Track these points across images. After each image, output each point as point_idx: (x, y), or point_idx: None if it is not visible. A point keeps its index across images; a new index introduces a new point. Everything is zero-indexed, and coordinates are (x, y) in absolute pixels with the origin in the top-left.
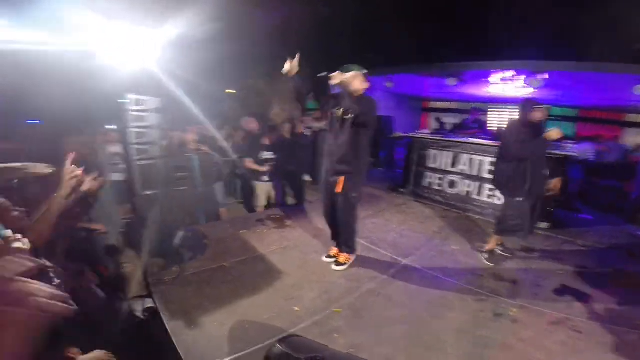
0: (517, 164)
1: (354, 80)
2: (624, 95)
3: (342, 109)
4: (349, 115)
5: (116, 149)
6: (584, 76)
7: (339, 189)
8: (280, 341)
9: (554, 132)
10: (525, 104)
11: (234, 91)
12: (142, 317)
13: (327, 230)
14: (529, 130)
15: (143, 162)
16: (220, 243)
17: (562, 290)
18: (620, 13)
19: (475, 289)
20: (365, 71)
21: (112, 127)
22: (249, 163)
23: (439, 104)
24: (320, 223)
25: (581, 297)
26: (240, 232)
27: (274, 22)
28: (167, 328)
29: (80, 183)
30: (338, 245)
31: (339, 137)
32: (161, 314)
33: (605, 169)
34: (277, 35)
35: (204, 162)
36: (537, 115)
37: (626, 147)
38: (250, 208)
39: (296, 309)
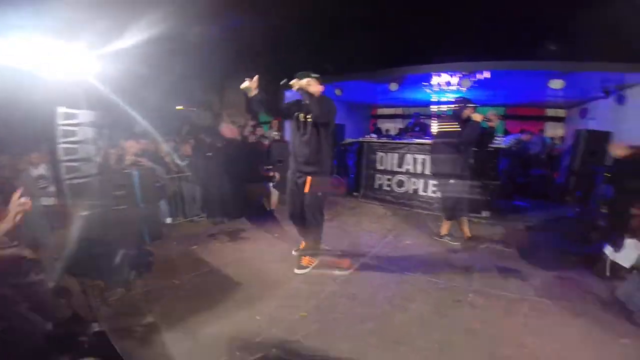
0: (451, 152)
1: (309, 85)
2: (542, 91)
3: (303, 112)
4: (310, 117)
5: (40, 170)
6: (506, 75)
7: (306, 188)
8: None
9: (477, 116)
10: (460, 102)
11: (181, 107)
12: (90, 342)
13: (284, 239)
14: (462, 124)
15: (75, 181)
16: (169, 261)
17: (512, 273)
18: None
19: (432, 279)
20: (317, 75)
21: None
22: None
23: (386, 111)
24: (277, 232)
25: (530, 277)
26: (191, 248)
27: (222, 35)
28: (117, 350)
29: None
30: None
31: (303, 139)
32: (108, 336)
33: (534, 160)
34: (226, 49)
35: (145, 177)
36: (468, 112)
37: (547, 139)
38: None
39: (258, 318)
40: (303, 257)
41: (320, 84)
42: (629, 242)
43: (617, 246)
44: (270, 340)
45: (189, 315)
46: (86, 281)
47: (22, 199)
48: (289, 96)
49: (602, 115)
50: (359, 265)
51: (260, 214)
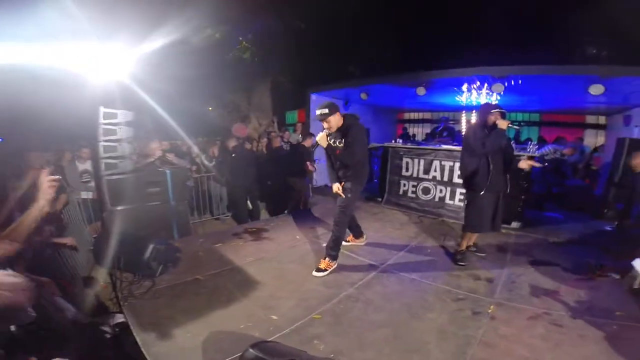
0: (479, 159)
1: (329, 123)
2: (581, 96)
3: (332, 140)
4: (340, 144)
5: (86, 166)
6: (542, 79)
7: (339, 193)
8: (253, 346)
9: (503, 123)
10: (483, 108)
11: (210, 108)
12: (112, 332)
13: (304, 240)
14: (487, 132)
15: (113, 177)
16: (194, 257)
17: (537, 286)
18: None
19: (452, 289)
20: (326, 106)
21: (85, 143)
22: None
23: (413, 115)
24: (299, 234)
25: (557, 292)
26: (215, 245)
27: (250, 37)
28: (138, 341)
29: (57, 191)
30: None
31: (336, 157)
32: (131, 327)
33: (571, 170)
34: (253, 51)
35: (177, 176)
36: (492, 118)
37: (586, 148)
38: (241, 220)
39: (274, 317)
40: (322, 261)
41: (336, 111)
42: None
43: None
44: (284, 340)
45: (208, 311)
46: (116, 272)
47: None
48: None
49: None
50: (378, 271)
51: (284, 217)
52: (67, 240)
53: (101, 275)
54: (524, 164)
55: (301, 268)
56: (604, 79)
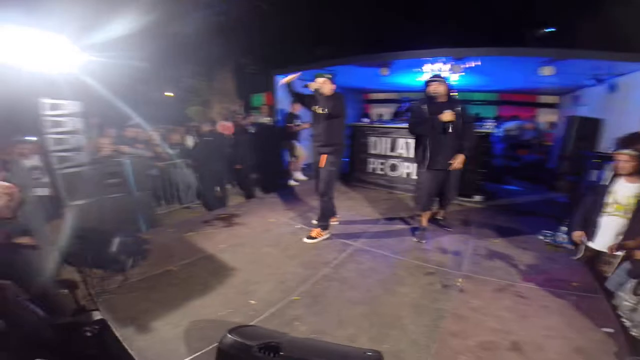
0: (418, 138)
1: (324, 85)
2: (534, 77)
3: (318, 106)
4: (324, 111)
5: (33, 161)
6: (497, 61)
7: (321, 164)
8: (231, 331)
9: (446, 115)
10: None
11: (172, 94)
12: (92, 330)
13: (278, 224)
14: (429, 105)
15: (67, 171)
16: (164, 248)
17: (501, 258)
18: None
19: (422, 264)
20: (330, 75)
21: (30, 138)
22: None
23: (379, 96)
24: (272, 217)
25: (518, 263)
26: (186, 235)
27: (210, 19)
28: (118, 336)
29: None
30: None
31: (319, 126)
32: (109, 323)
33: (527, 146)
34: (215, 33)
35: (138, 165)
36: (430, 88)
37: (540, 125)
38: (212, 206)
39: (252, 302)
40: (313, 229)
41: (333, 83)
42: (603, 226)
43: (590, 234)
44: (264, 324)
45: (185, 301)
46: (85, 270)
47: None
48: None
49: (593, 102)
50: (352, 249)
51: (257, 200)
52: (27, 240)
53: (70, 274)
54: (446, 116)
55: (277, 251)
56: (555, 61)
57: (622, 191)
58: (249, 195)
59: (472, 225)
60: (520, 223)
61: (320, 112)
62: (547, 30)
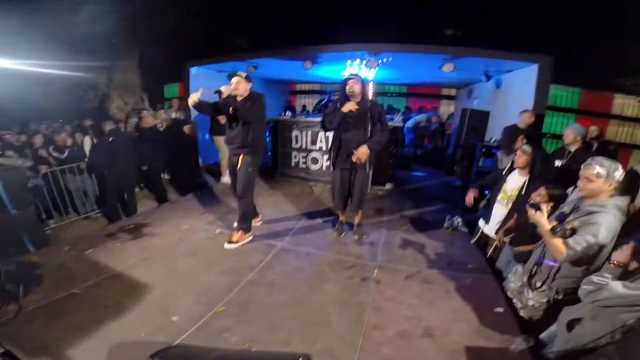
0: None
1: (238, 85)
2: (438, 73)
3: (232, 108)
4: (236, 112)
5: None
6: (406, 57)
7: (239, 166)
8: (153, 356)
9: (346, 105)
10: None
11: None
12: None
13: (194, 230)
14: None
15: None
16: (62, 269)
17: (408, 245)
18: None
19: (343, 257)
20: (244, 74)
21: None
22: None
23: (305, 87)
24: (186, 223)
25: (423, 249)
26: (86, 252)
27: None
28: None
29: None
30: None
31: (235, 128)
32: (17, 356)
33: (431, 135)
34: (116, 23)
35: (10, 179)
36: (347, 87)
37: (443, 117)
38: (114, 216)
39: (175, 319)
40: (234, 233)
41: (249, 82)
42: (493, 213)
43: (486, 218)
44: (192, 341)
45: (99, 325)
46: None
47: None
48: None
49: (483, 96)
50: (277, 250)
51: (168, 206)
52: None
53: None
54: (346, 107)
55: (193, 261)
56: (454, 59)
57: (511, 182)
58: (161, 199)
59: (384, 213)
60: (424, 208)
61: (234, 113)
62: (451, 31)
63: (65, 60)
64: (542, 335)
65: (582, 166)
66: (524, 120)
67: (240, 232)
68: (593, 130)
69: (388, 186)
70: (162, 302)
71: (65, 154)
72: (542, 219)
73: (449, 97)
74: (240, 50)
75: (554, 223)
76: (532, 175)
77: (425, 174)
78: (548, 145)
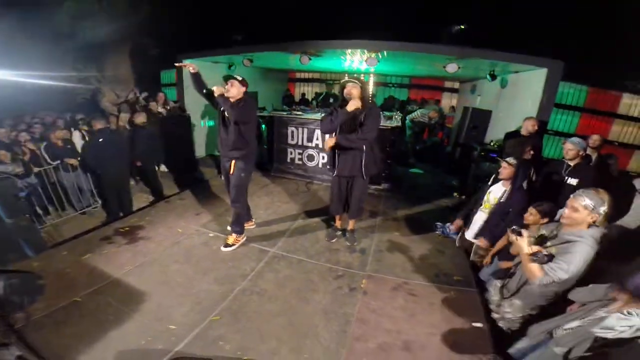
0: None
1: (231, 88)
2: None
3: (225, 111)
4: (229, 116)
5: None
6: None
7: (231, 170)
8: None
9: (351, 104)
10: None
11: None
12: None
13: (188, 233)
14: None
15: None
16: (62, 276)
17: (398, 253)
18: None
19: (333, 266)
20: (240, 77)
21: None
22: None
23: (304, 75)
24: (180, 225)
25: (413, 257)
26: (84, 257)
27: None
28: None
29: None
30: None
31: (227, 131)
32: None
33: (431, 130)
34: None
35: (1, 190)
36: (345, 91)
37: (443, 110)
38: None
39: (172, 327)
40: (229, 236)
41: (244, 86)
42: (475, 220)
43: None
44: (189, 348)
45: (102, 333)
46: None
47: None
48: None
49: (487, 94)
50: (269, 256)
51: (163, 205)
52: None
53: None
54: (352, 106)
55: (188, 267)
56: (459, 59)
57: (494, 192)
58: (157, 195)
59: (378, 215)
60: (418, 210)
61: (226, 117)
62: (458, 27)
63: (55, 59)
64: (511, 350)
65: (571, 195)
66: (527, 128)
67: (234, 235)
68: (596, 139)
69: (383, 186)
70: (158, 310)
71: (58, 151)
72: (522, 243)
73: (452, 90)
74: (236, 43)
75: (536, 249)
76: (513, 187)
77: (423, 171)
78: (550, 142)
